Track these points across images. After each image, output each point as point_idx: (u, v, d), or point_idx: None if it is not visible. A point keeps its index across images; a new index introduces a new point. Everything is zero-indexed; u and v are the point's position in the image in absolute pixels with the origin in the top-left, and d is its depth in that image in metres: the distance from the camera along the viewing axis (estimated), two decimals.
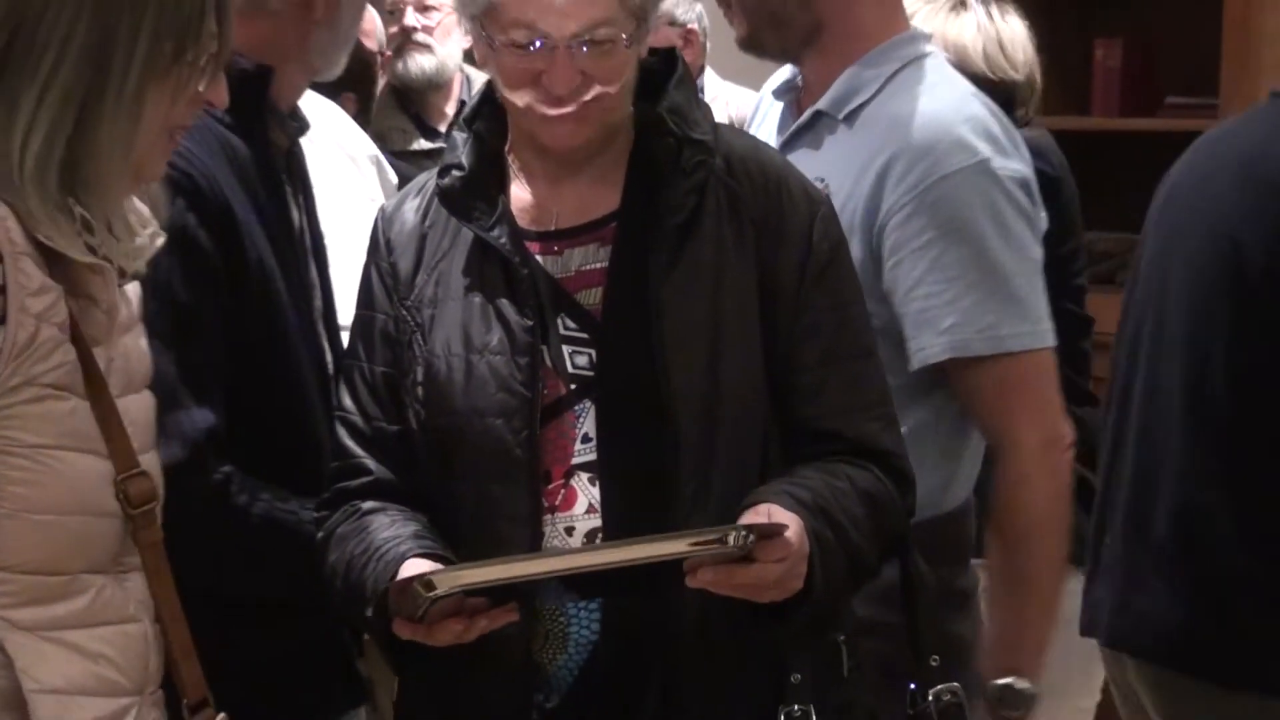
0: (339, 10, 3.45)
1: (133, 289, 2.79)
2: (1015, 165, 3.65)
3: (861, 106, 3.77)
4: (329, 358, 3.51)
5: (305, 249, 3.57)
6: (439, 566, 2.76)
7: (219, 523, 3.26)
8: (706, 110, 3.12)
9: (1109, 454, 3.98)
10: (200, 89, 2.67)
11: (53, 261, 2.51)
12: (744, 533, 2.66)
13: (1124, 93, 6.92)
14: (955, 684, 3.13)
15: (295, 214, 3.55)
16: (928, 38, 3.97)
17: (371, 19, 5.82)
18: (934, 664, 3.13)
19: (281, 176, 3.50)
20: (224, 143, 3.38)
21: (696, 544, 2.68)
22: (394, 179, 4.77)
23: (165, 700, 2.71)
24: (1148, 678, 3.85)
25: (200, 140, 3.33)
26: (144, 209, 2.78)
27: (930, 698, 3.08)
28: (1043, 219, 3.74)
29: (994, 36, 4.63)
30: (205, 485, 3.23)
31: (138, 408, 2.71)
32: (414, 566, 2.78)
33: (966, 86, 3.88)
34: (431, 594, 2.65)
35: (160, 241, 2.79)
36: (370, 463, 3.05)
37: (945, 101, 3.71)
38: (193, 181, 3.29)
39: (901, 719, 3.14)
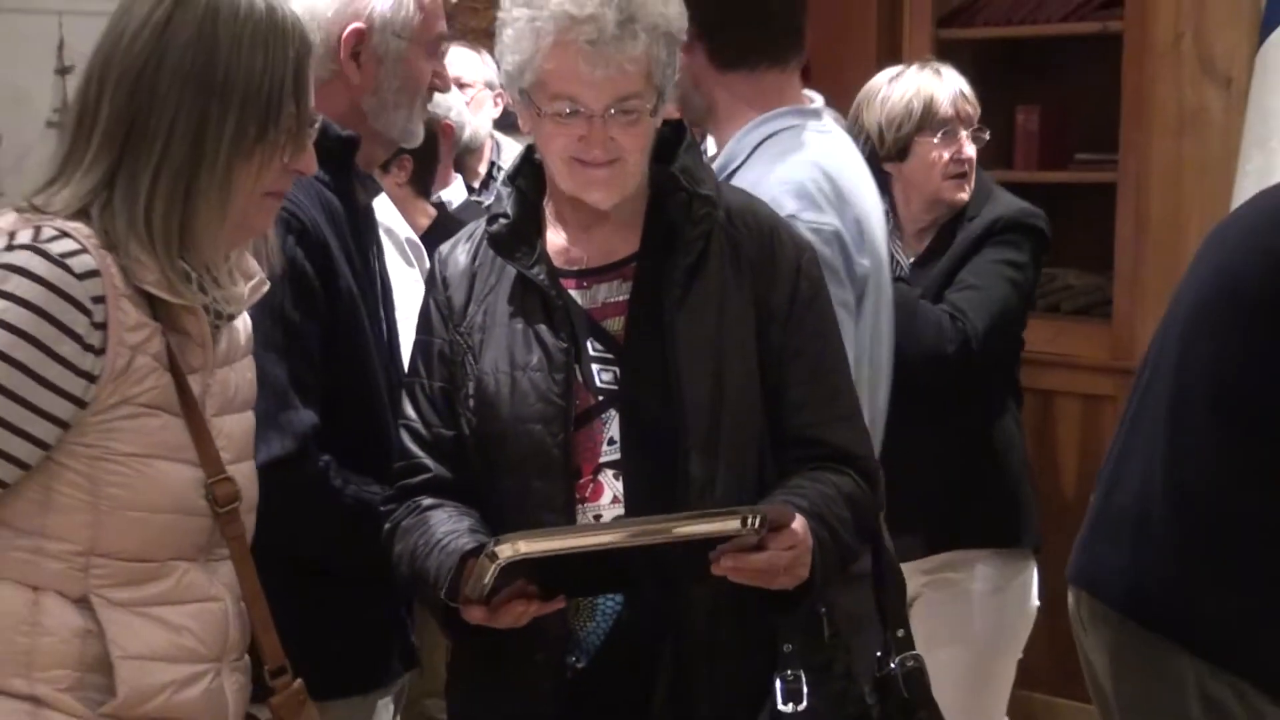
0: (377, 77, 3.46)
1: (243, 326, 2.86)
2: (824, 219, 3.62)
3: (733, 173, 3.76)
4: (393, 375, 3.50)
5: (378, 287, 3.59)
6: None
7: (322, 502, 3.34)
8: (709, 170, 3.20)
9: (1115, 440, 3.96)
10: (285, 160, 2.72)
11: (155, 303, 2.58)
12: (757, 516, 2.69)
13: (1040, 150, 6.94)
14: (918, 652, 3.16)
15: (372, 259, 3.57)
16: (814, 112, 3.95)
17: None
18: (900, 635, 3.16)
19: (363, 227, 3.54)
20: (322, 196, 3.43)
21: (717, 522, 2.73)
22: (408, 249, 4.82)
23: (250, 667, 2.78)
24: (1097, 611, 3.81)
25: (306, 192, 3.40)
26: (252, 263, 2.85)
27: (894, 664, 3.09)
28: (860, 264, 3.72)
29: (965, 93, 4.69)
30: (311, 472, 3.30)
31: (234, 425, 2.78)
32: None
33: (810, 154, 3.83)
34: (495, 562, 2.67)
35: (264, 289, 2.86)
36: (429, 463, 3.07)
37: (778, 168, 3.70)
38: (300, 223, 3.36)
39: (869, 678, 3.11)
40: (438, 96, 3.89)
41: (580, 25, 2.88)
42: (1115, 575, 3.77)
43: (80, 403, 2.52)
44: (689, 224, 3.01)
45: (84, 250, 2.51)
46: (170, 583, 2.62)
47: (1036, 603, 4.55)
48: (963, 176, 4.67)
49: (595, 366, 3.00)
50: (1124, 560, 3.74)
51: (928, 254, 4.76)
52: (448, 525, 2.96)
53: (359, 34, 3.40)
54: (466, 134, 5.88)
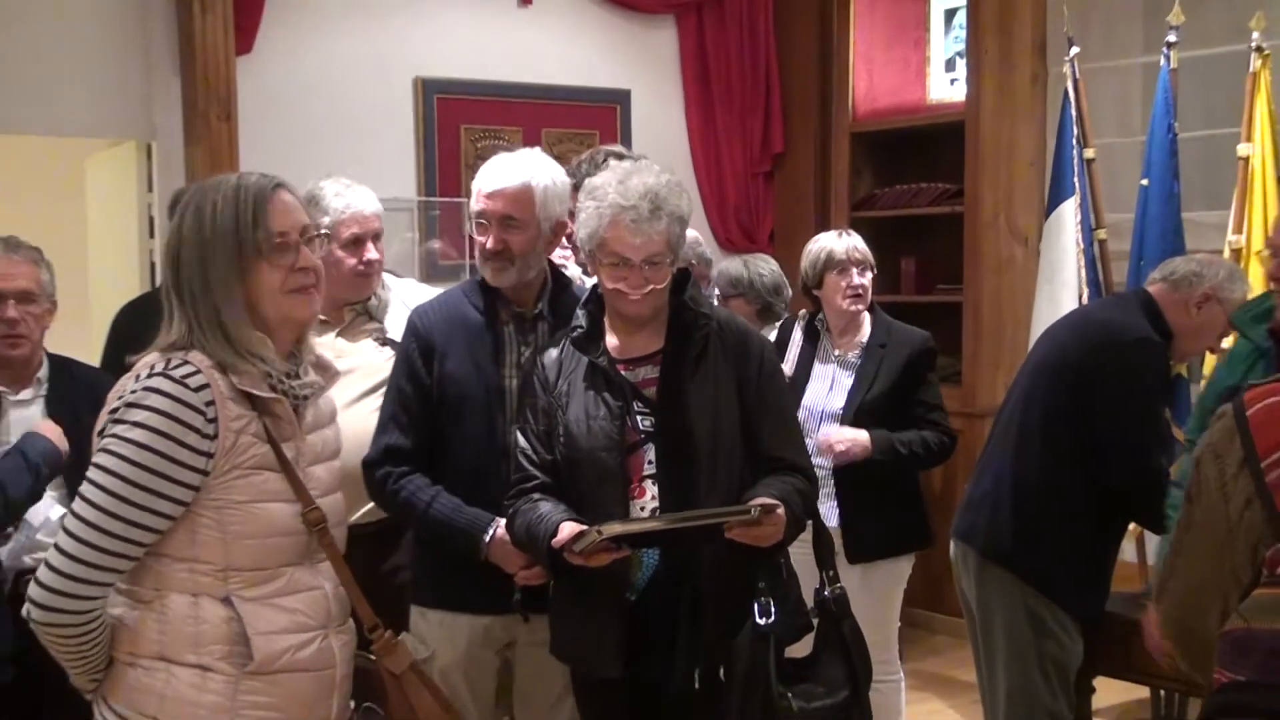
0: (530, 255, 3.30)
1: (325, 403, 2.78)
2: None
3: None
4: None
5: (508, 371, 3.34)
6: (585, 526, 2.80)
7: (379, 494, 3.36)
8: (705, 297, 3.17)
9: (983, 454, 3.93)
10: (290, 264, 2.58)
11: (252, 398, 2.52)
12: (758, 508, 2.78)
13: (916, 283, 6.85)
14: (842, 585, 3.11)
15: (507, 354, 3.34)
16: None
17: None
18: (831, 575, 3.10)
19: (504, 335, 3.33)
20: (460, 312, 3.36)
21: (736, 512, 2.81)
22: None
23: (354, 628, 2.73)
24: (970, 556, 3.78)
25: (441, 307, 3.40)
26: (325, 357, 2.80)
27: (827, 592, 3.06)
28: None
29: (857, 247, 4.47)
30: (377, 474, 3.31)
31: (324, 471, 2.70)
32: (567, 527, 2.82)
33: None
34: (600, 536, 2.74)
35: (337, 378, 2.81)
36: (537, 474, 3.04)
37: None
38: (417, 329, 3.36)
39: (812, 601, 3.08)
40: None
41: (626, 211, 2.92)
42: (979, 534, 3.75)
43: (203, 473, 2.48)
44: (695, 330, 3.03)
45: (198, 371, 2.48)
46: (282, 581, 2.57)
47: (912, 557, 4.47)
48: (856, 297, 4.43)
49: (639, 417, 2.99)
50: (985, 525, 3.73)
51: (865, 372, 4.43)
52: (548, 507, 2.95)
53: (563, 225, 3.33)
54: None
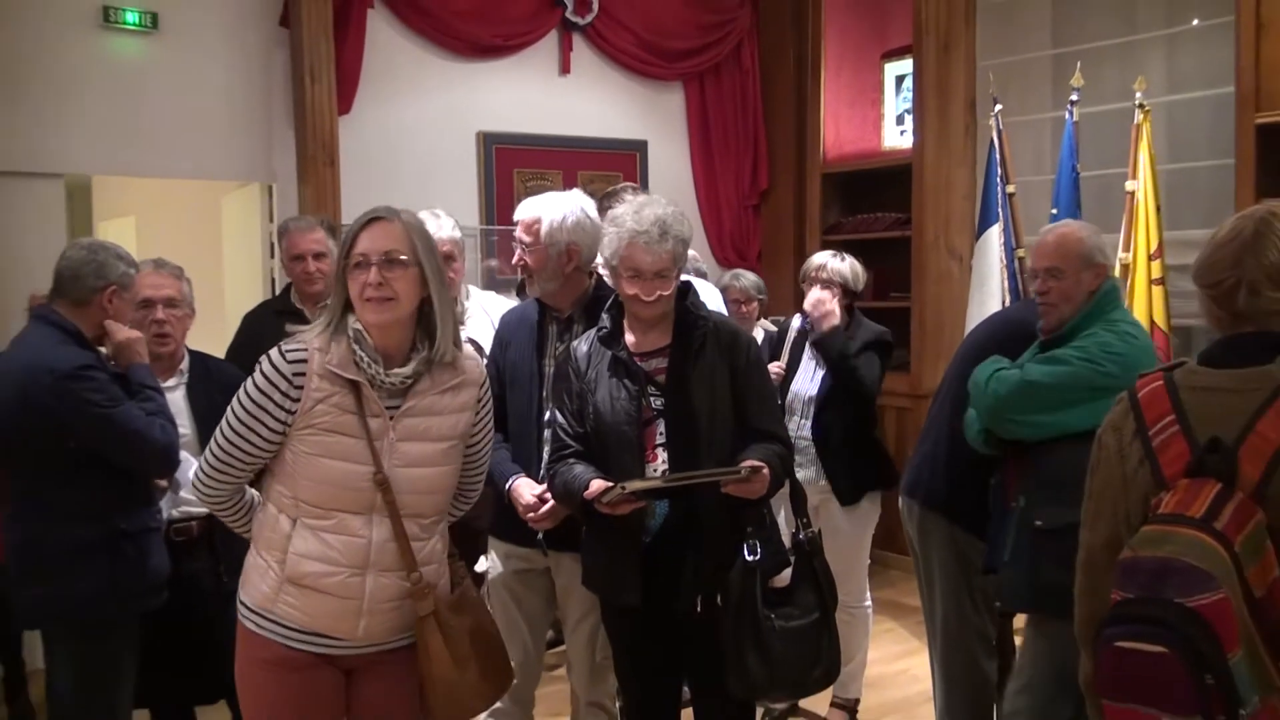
0: (544, 270, 3.29)
1: (451, 399, 2.64)
2: None
3: None
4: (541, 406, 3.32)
5: (547, 360, 3.32)
6: (611, 483, 2.81)
7: None
8: (703, 304, 3.13)
9: (926, 423, 3.87)
10: (363, 279, 2.53)
11: (341, 377, 2.52)
12: (748, 469, 2.80)
13: (874, 291, 6.54)
14: (816, 529, 3.08)
15: (548, 346, 3.33)
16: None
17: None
18: (805, 522, 3.06)
19: (548, 332, 3.33)
20: (526, 315, 3.39)
21: (729, 472, 2.82)
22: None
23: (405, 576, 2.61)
24: (914, 506, 3.73)
25: (516, 311, 3.46)
26: (469, 364, 2.70)
27: (803, 535, 3.03)
28: None
29: (856, 268, 4.42)
30: None
31: (416, 449, 2.59)
32: (596, 483, 2.84)
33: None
34: (625, 490, 2.77)
35: (420, 374, 2.60)
36: (572, 444, 3.03)
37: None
38: (500, 326, 3.45)
39: (789, 542, 3.05)
40: None
41: (640, 235, 2.93)
42: (921, 488, 3.70)
43: (285, 424, 2.51)
44: (695, 329, 3.01)
45: (303, 349, 2.52)
46: (333, 522, 2.53)
47: (878, 504, 4.37)
48: (815, 304, 4.35)
49: (652, 398, 2.97)
50: (926, 480, 3.70)
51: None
52: (581, 469, 2.94)
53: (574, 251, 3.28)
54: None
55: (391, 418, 2.57)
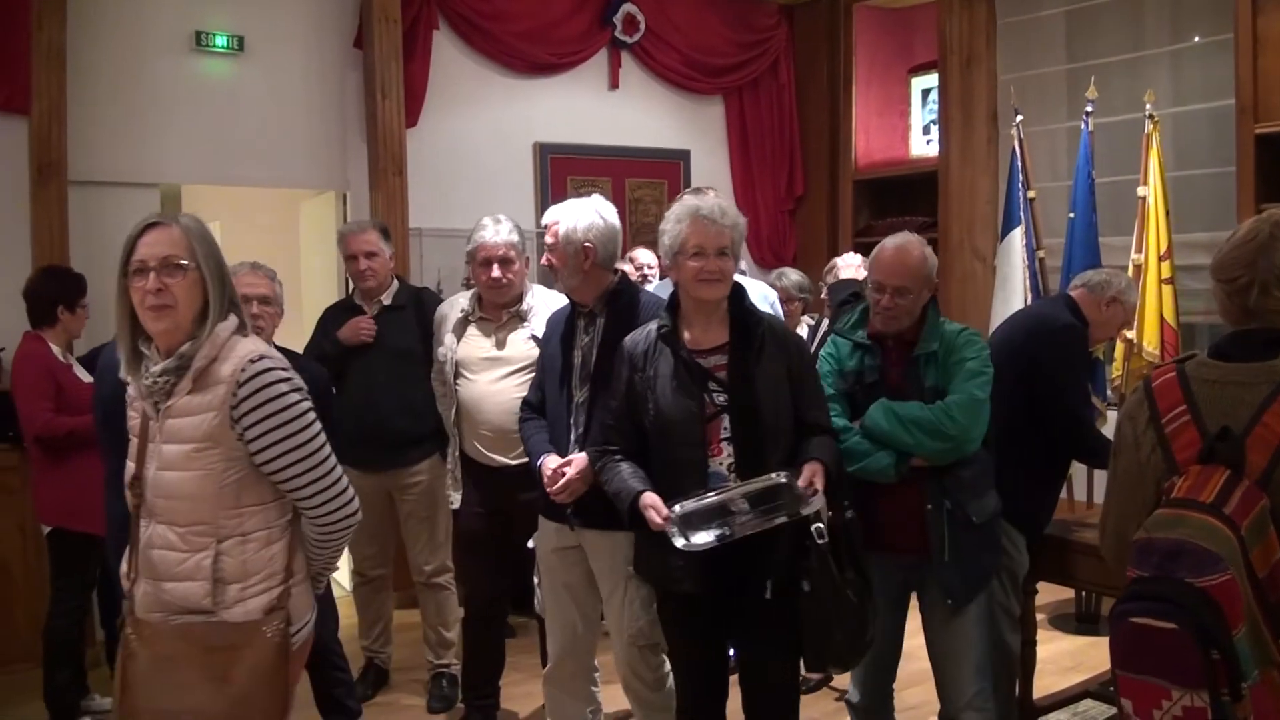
0: (565, 268, 3.27)
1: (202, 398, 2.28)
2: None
3: None
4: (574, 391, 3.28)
5: (576, 352, 3.28)
6: (668, 513, 2.73)
7: (520, 431, 3.41)
8: (756, 307, 3.05)
9: None
10: (142, 286, 2.27)
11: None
12: (786, 474, 2.74)
13: None
14: (853, 511, 2.92)
15: (576, 338, 3.28)
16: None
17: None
18: (846, 505, 2.89)
19: (576, 325, 3.30)
20: (563, 312, 3.38)
21: (768, 482, 2.73)
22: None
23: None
24: None
25: (560, 309, 3.41)
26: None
27: (847, 514, 2.87)
28: None
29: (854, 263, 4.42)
30: (520, 418, 3.40)
31: (171, 452, 2.30)
32: (648, 496, 2.79)
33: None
34: (676, 515, 2.71)
35: (170, 373, 2.27)
36: (617, 438, 2.96)
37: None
38: (546, 327, 3.43)
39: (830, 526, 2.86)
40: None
41: (703, 211, 2.86)
42: None
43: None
44: (754, 329, 2.91)
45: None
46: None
47: None
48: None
49: (715, 394, 2.85)
50: None
51: None
52: (626, 476, 2.89)
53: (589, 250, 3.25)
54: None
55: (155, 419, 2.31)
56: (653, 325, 2.99)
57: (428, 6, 6.09)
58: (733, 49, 7.23)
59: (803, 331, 5.08)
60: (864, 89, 7.30)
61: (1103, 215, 5.31)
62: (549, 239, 3.28)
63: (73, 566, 4.15)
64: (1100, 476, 4.08)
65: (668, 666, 3.25)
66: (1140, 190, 5.07)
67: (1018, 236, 5.36)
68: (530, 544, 3.53)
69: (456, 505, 3.96)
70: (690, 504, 2.74)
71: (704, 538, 2.73)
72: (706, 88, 7.21)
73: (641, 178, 6.92)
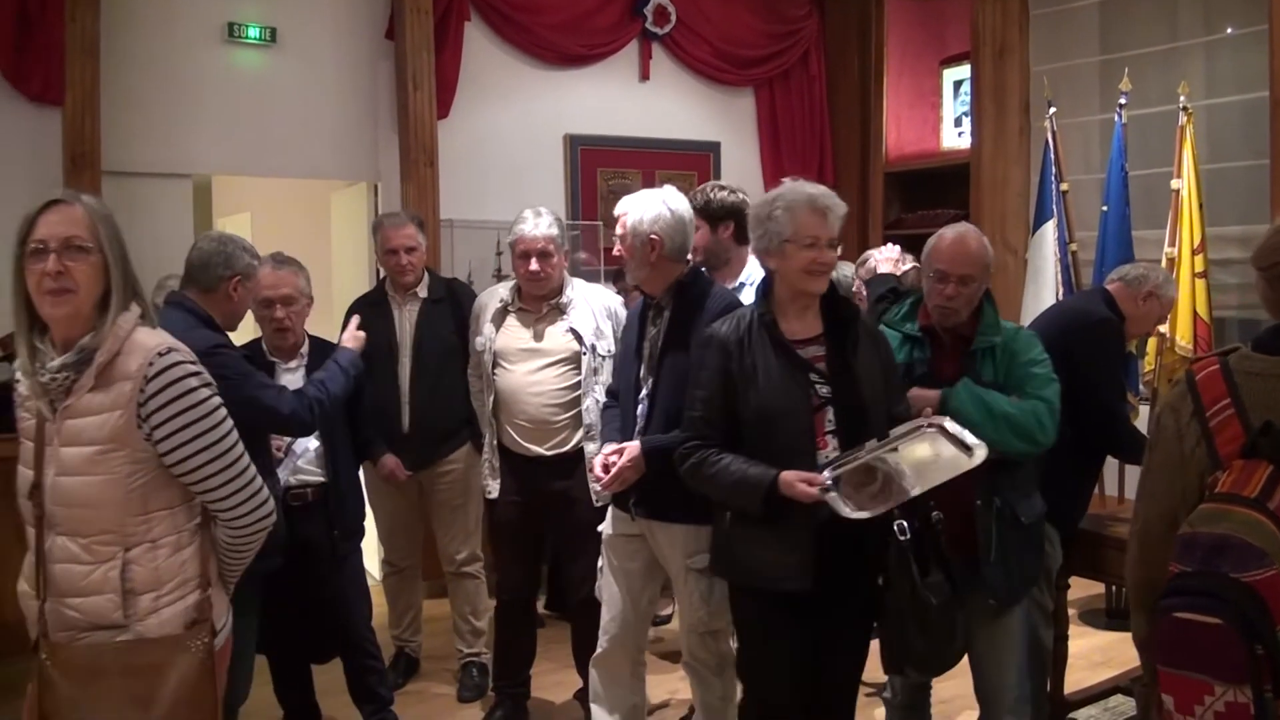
0: (633, 259, 3.27)
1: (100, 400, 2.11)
2: None
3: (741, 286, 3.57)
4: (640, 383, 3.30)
5: (647, 340, 3.30)
6: (788, 473, 2.68)
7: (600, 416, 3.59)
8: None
9: None
10: (40, 269, 2.07)
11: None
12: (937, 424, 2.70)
13: None
14: (939, 514, 2.78)
15: (650, 329, 3.30)
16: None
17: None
18: (931, 505, 2.75)
19: (648, 316, 3.32)
20: (640, 304, 3.38)
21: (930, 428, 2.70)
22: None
23: None
24: None
25: (638, 305, 3.40)
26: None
27: (933, 514, 2.75)
28: None
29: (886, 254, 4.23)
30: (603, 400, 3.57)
31: (71, 455, 2.11)
32: (789, 473, 2.69)
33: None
34: (830, 475, 2.66)
35: (69, 368, 2.08)
36: (711, 432, 2.85)
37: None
38: (626, 318, 3.53)
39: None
40: None
41: (818, 201, 2.80)
42: None
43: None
44: (851, 320, 2.87)
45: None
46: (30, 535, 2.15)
47: None
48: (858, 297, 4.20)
49: (817, 386, 2.79)
50: None
51: None
52: (742, 464, 2.78)
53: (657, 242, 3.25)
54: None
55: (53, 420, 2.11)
56: (745, 313, 2.93)
57: None
58: (763, 40, 7.21)
59: None
60: (895, 80, 7.26)
61: (1136, 208, 5.27)
62: (618, 229, 3.30)
63: None
64: (1132, 472, 4.03)
65: (731, 649, 3.23)
66: (1174, 183, 5.02)
67: (1050, 229, 5.32)
68: (600, 528, 3.54)
69: (495, 495, 3.94)
70: (844, 466, 2.69)
71: (875, 507, 2.65)
72: (737, 79, 7.20)
73: (672, 169, 6.90)
